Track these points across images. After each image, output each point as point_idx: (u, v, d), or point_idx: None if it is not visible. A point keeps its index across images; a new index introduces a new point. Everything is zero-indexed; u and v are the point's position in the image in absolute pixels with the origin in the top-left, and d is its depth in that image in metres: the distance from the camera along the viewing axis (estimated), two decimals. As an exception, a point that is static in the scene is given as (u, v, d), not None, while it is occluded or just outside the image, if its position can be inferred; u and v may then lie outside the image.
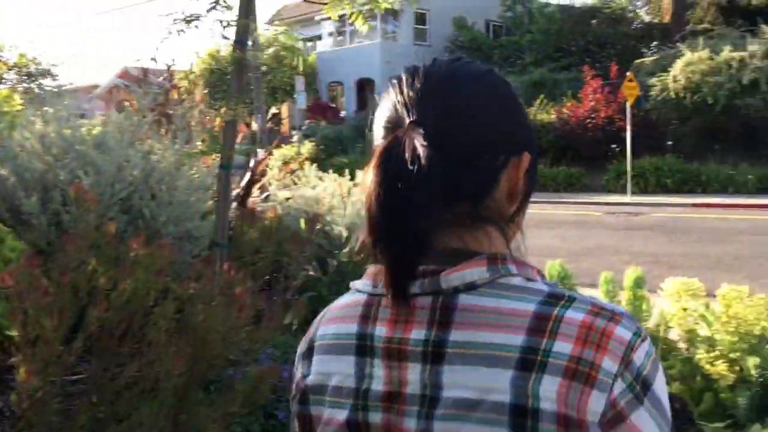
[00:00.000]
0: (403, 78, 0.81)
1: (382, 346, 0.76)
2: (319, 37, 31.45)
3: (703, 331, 3.18)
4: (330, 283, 4.38)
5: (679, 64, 17.98)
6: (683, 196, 15.81)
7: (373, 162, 0.74)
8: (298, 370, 0.85)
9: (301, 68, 27.81)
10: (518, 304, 0.73)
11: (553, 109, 19.98)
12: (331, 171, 5.35)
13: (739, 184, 16.11)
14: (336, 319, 0.83)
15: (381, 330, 0.76)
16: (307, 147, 22.49)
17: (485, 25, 29.25)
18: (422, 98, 0.78)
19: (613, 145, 17.91)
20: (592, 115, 18.71)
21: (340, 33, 29.62)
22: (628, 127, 16.01)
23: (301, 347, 0.86)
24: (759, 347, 2.87)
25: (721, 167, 16.81)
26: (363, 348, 0.77)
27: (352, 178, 5.09)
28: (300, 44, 30.41)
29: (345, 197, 4.85)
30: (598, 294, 4.04)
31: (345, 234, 4.68)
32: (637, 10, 28.55)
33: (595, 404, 0.68)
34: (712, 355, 2.99)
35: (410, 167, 0.71)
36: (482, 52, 26.69)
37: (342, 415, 0.77)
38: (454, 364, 0.72)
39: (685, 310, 3.19)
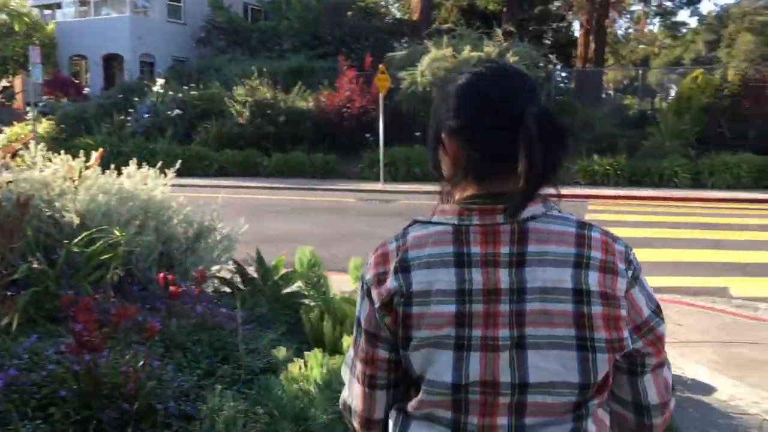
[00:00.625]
0: (490, 73, 1.17)
1: (480, 259, 1.10)
2: (59, 5, 28.64)
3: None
4: (58, 276, 3.91)
5: (426, 60, 19.12)
6: (431, 184, 16.83)
7: (533, 131, 1.08)
8: (387, 283, 1.14)
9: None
10: (564, 227, 1.13)
11: (311, 96, 20.20)
12: (63, 152, 4.79)
13: (477, 173, 17.56)
14: (425, 244, 1.13)
15: (476, 249, 1.11)
16: (45, 126, 20.39)
17: (243, 8, 28.75)
18: (528, 92, 1.16)
19: (367, 134, 18.57)
20: (348, 105, 19.23)
21: (83, 2, 27.21)
22: (381, 118, 16.69)
23: (380, 269, 1.16)
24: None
25: (462, 158, 18.16)
26: (461, 262, 1.11)
27: (87, 159, 4.61)
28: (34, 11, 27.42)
29: (77, 181, 4.37)
30: (349, 280, 4.07)
31: (77, 221, 4.21)
32: (390, 6, 29.92)
33: (621, 285, 1.12)
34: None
35: (552, 135, 1.10)
36: (239, 34, 26.20)
37: (450, 308, 1.10)
38: (533, 266, 1.10)
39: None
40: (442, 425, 1.13)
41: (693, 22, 50.11)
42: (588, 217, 11.71)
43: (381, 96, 16.73)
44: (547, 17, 33.17)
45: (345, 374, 1.27)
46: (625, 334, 1.12)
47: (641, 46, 51.14)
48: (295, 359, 2.77)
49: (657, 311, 1.19)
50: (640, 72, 30.32)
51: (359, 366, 1.22)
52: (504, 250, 1.11)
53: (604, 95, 29.41)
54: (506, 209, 1.12)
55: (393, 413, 1.21)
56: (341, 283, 4.37)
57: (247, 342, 3.45)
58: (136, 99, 21.27)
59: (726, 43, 45.59)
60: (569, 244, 1.11)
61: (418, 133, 19.24)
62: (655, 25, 45.11)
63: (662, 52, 50.15)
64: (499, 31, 20.46)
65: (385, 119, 16.77)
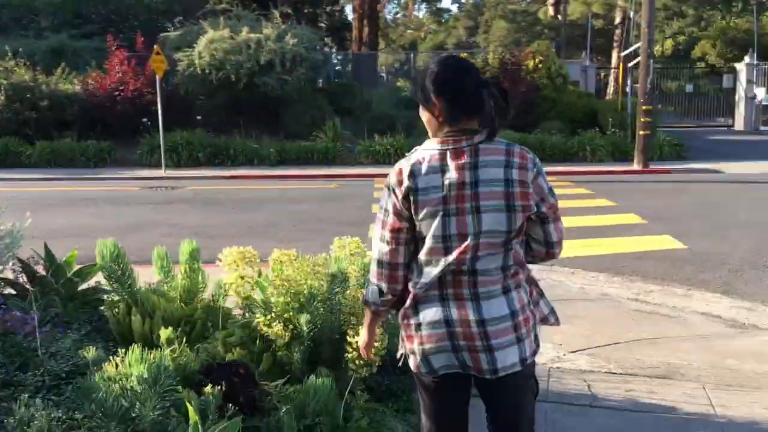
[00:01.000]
0: (446, 66, 2.12)
1: (453, 166, 2.00)
2: None
3: (258, 295, 3.30)
4: None
5: (203, 41, 18.53)
6: (215, 169, 16.49)
7: (494, 92, 2.15)
8: (405, 184, 2.04)
9: None
10: (498, 146, 2.03)
11: (77, 79, 18.70)
12: None
13: (263, 156, 17.49)
14: (423, 162, 2.03)
15: (451, 162, 2.01)
16: None
17: (-11, -20, 25.67)
18: (476, 70, 2.15)
19: (144, 119, 17.63)
20: (121, 88, 18.07)
21: None
22: (159, 101, 15.94)
23: (400, 177, 2.06)
24: (308, 305, 3.09)
25: (246, 141, 18.00)
26: (444, 170, 2.00)
27: None
28: None
29: None
30: (154, 270, 3.90)
31: None
32: (160, -16, 28.41)
33: (530, 175, 2.03)
34: (268, 317, 3.12)
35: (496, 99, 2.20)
36: (-14, 10, 23.41)
37: (438, 194, 2.01)
38: (484, 167, 1.99)
39: (242, 278, 3.26)
40: (436, 266, 2.07)
41: (455, 9, 53.63)
42: (376, 195, 12.21)
43: (158, 78, 15.96)
44: (321, 1, 33.62)
45: (376, 245, 2.15)
46: (532, 203, 2.05)
47: (409, 31, 53.70)
48: (111, 358, 2.61)
49: (551, 191, 2.11)
50: (411, 55, 31.98)
51: (388, 234, 2.12)
52: (467, 160, 2.03)
53: (379, 78, 30.55)
54: (467, 138, 2.05)
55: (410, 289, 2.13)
56: (143, 275, 4.17)
57: (47, 345, 3.17)
58: None
59: (483, 29, 49.50)
60: (501, 154, 2.03)
61: (198, 117, 18.68)
62: (421, 11, 47.69)
63: (428, 37, 53.19)
64: (276, 13, 20.38)
65: (163, 102, 16.06)
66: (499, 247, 2.03)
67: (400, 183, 2.06)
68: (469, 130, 2.04)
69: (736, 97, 27.62)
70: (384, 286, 2.14)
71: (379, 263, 2.14)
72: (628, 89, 20.22)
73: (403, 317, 2.15)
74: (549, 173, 2.09)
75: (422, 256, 2.08)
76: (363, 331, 2.33)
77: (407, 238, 2.09)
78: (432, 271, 2.05)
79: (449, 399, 2.21)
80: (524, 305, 2.10)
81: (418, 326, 2.10)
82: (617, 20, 38.80)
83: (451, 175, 1.99)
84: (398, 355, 2.26)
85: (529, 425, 2.24)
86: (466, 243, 2.01)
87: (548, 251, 2.16)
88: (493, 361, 2.04)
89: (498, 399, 2.18)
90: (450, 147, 2.03)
